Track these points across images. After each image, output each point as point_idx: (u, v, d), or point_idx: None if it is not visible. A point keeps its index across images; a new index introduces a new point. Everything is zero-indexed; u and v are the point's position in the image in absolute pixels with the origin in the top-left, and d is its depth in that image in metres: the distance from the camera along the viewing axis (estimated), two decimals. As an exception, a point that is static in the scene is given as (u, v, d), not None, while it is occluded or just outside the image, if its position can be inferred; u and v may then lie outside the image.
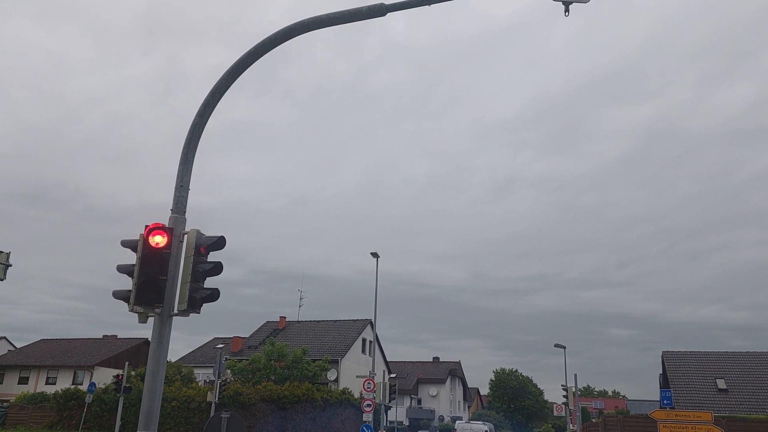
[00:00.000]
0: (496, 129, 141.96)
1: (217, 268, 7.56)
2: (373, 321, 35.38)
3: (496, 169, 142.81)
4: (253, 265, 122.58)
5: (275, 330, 49.56)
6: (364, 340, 47.99)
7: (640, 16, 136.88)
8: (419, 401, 68.12)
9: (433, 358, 76.18)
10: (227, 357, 37.60)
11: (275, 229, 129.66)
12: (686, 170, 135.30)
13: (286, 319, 51.32)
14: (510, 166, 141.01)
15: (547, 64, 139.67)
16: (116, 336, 56.01)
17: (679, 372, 37.77)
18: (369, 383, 28.13)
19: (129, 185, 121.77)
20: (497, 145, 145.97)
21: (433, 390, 68.72)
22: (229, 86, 8.25)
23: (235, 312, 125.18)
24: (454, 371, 73.71)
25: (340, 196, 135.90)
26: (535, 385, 77.15)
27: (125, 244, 7.61)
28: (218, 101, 8.18)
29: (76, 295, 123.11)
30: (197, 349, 54.57)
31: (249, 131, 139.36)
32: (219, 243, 7.65)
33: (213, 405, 26.12)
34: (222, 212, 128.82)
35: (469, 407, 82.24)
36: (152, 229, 7.31)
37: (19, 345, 58.37)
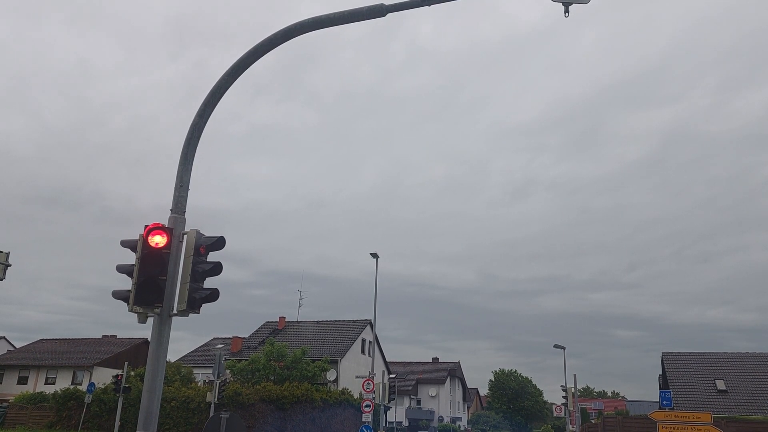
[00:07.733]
0: (516, 133, 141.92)
1: (216, 269, 7.52)
2: (372, 321, 35.39)
3: (513, 172, 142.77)
4: (265, 267, 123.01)
5: (275, 330, 49.54)
6: (363, 341, 47.99)
7: (664, 22, 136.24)
8: (418, 402, 68.13)
9: (433, 358, 76.13)
10: (227, 357, 37.58)
11: (290, 231, 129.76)
12: (701, 174, 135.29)
13: (286, 320, 51.34)
14: (527, 169, 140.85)
15: (570, 68, 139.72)
16: (116, 336, 55.99)
17: (678, 373, 37.74)
18: (368, 384, 28.14)
19: (146, 188, 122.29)
20: (516, 148, 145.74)
21: (432, 390, 68.72)
22: (230, 86, 8.24)
23: (243, 313, 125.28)
24: (454, 372, 73.70)
25: (356, 198, 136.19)
26: (535, 386, 77.04)
27: (125, 244, 7.58)
28: (218, 101, 8.17)
29: (85, 296, 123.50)
30: (196, 349, 54.56)
31: (271, 135, 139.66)
32: (218, 243, 7.61)
33: (212, 405, 26.15)
34: (239, 214, 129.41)
35: (468, 408, 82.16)
36: (152, 229, 7.27)
37: (22, 345, 58.30)
